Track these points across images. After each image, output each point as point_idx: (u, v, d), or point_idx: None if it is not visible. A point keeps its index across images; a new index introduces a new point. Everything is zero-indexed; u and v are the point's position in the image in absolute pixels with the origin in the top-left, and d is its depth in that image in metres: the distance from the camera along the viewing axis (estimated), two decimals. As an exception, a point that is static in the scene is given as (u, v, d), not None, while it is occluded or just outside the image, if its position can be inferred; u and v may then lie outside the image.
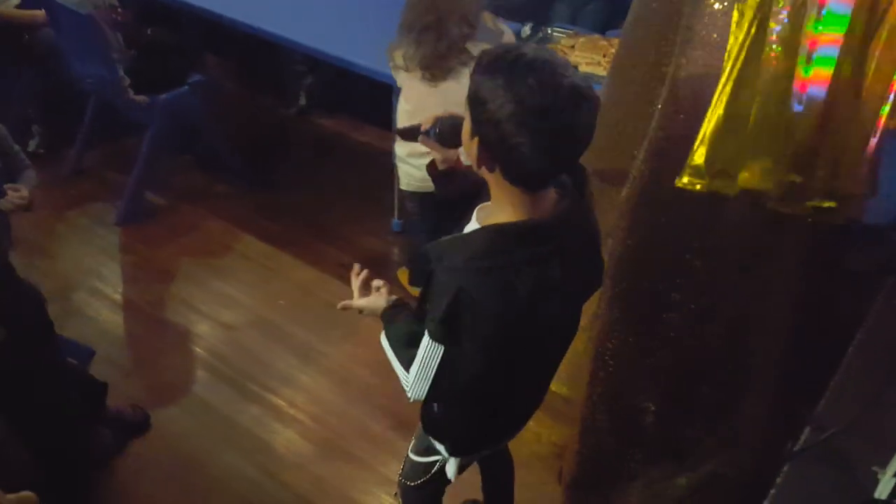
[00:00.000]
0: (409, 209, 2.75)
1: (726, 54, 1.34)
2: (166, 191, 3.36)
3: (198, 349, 2.69)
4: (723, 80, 1.34)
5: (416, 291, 2.82)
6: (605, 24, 3.08)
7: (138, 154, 3.22)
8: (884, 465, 1.21)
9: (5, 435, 2.03)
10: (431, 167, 1.56)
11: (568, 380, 2.23)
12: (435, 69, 2.34)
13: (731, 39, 1.33)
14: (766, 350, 1.63)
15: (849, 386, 1.40)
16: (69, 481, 2.15)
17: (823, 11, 1.30)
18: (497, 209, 1.27)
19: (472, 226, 1.34)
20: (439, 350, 1.29)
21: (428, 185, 2.53)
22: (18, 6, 3.31)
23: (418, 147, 2.51)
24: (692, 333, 1.63)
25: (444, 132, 1.41)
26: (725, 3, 1.40)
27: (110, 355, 2.62)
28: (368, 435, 2.41)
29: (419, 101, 2.40)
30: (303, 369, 2.62)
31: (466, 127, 1.22)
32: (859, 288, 1.66)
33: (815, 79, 1.32)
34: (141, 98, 3.05)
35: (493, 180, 1.24)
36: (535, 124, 1.12)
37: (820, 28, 1.30)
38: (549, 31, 2.97)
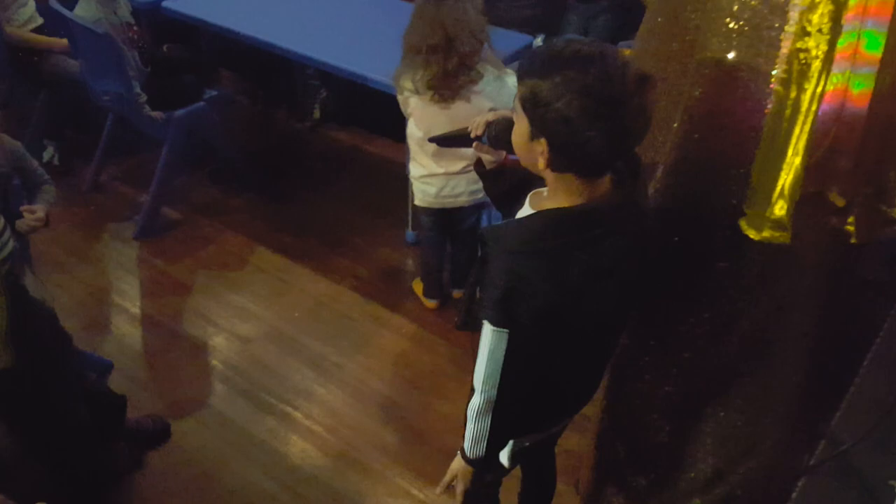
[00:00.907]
0: (423, 224, 2.77)
1: (790, 104, 1.27)
2: (183, 205, 3.40)
3: (214, 362, 2.71)
4: (796, 131, 1.28)
5: (431, 303, 2.87)
6: (616, 35, 3.09)
7: (155, 169, 3.25)
8: (901, 478, 1.20)
9: (22, 450, 2.06)
10: (479, 166, 1.57)
11: None
12: (445, 89, 2.34)
13: (794, 89, 1.27)
14: (783, 364, 1.61)
15: (864, 399, 1.39)
16: (85, 496, 2.17)
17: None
18: (553, 195, 1.30)
19: (525, 211, 1.36)
20: (504, 336, 1.29)
21: (441, 201, 2.58)
22: (41, 27, 3.38)
23: (435, 168, 2.53)
24: (708, 349, 1.62)
25: (500, 135, 1.42)
26: (741, 22, 1.40)
27: (128, 368, 2.65)
28: (384, 447, 2.41)
29: (432, 122, 2.41)
30: (318, 381, 2.63)
31: (523, 130, 1.24)
32: (875, 299, 1.64)
33: (836, 95, 1.30)
34: (157, 114, 3.09)
35: (553, 175, 1.26)
36: (610, 114, 1.15)
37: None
38: (561, 43, 2.98)
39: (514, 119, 1.28)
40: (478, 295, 1.41)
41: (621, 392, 1.75)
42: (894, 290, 1.62)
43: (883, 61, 1.28)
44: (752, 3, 1.40)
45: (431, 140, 1.68)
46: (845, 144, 1.34)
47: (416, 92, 2.40)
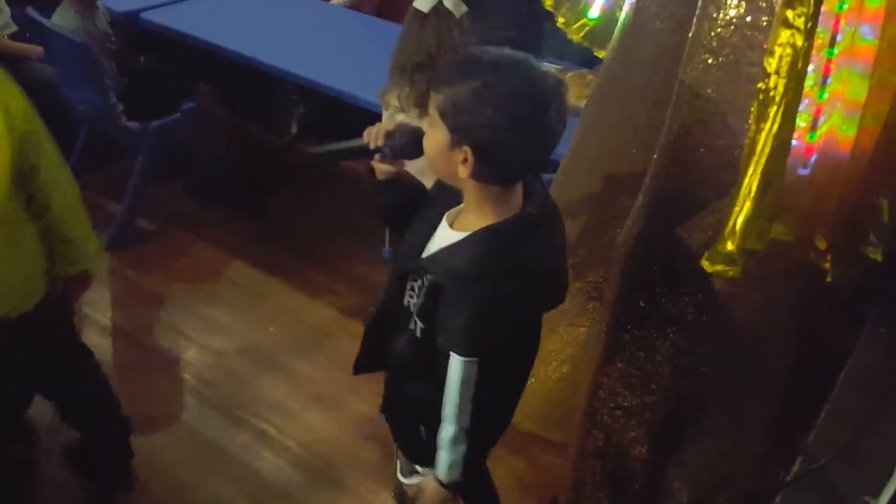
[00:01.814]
0: (402, 240, 2.76)
1: (748, 143, 1.31)
2: (157, 216, 3.36)
3: (187, 375, 2.68)
4: (749, 171, 1.31)
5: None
6: (592, 59, 3.15)
7: (129, 180, 3.22)
8: (876, 494, 1.23)
9: None
10: (372, 175, 1.52)
11: (539, 418, 2.24)
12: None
13: (753, 128, 1.31)
14: (760, 386, 1.64)
15: (839, 416, 1.42)
16: None
17: (829, 80, 1.31)
18: (478, 210, 1.29)
19: (446, 231, 1.35)
20: (475, 365, 1.27)
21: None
22: (17, 34, 3.34)
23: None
24: (687, 366, 1.65)
25: (405, 145, 1.39)
26: (720, 59, 1.44)
27: (98, 381, 2.60)
28: (358, 463, 2.40)
29: None
30: (292, 396, 2.61)
31: (441, 140, 1.22)
32: (847, 324, 1.69)
33: (828, 141, 1.33)
34: (133, 125, 3.06)
35: (473, 184, 1.25)
36: (536, 117, 1.16)
37: (825, 95, 1.31)
38: (539, 65, 3.02)
39: (427, 129, 1.26)
40: (417, 326, 1.34)
41: (600, 414, 1.77)
42: (863, 316, 1.66)
43: (865, 105, 1.31)
44: (732, 39, 1.44)
45: (319, 154, 1.63)
46: (829, 189, 1.38)
47: (402, 109, 2.41)
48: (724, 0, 1.44)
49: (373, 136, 1.42)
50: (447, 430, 1.36)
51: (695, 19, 1.51)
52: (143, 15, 3.37)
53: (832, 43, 1.29)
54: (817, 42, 1.27)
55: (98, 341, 2.78)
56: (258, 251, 3.21)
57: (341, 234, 3.33)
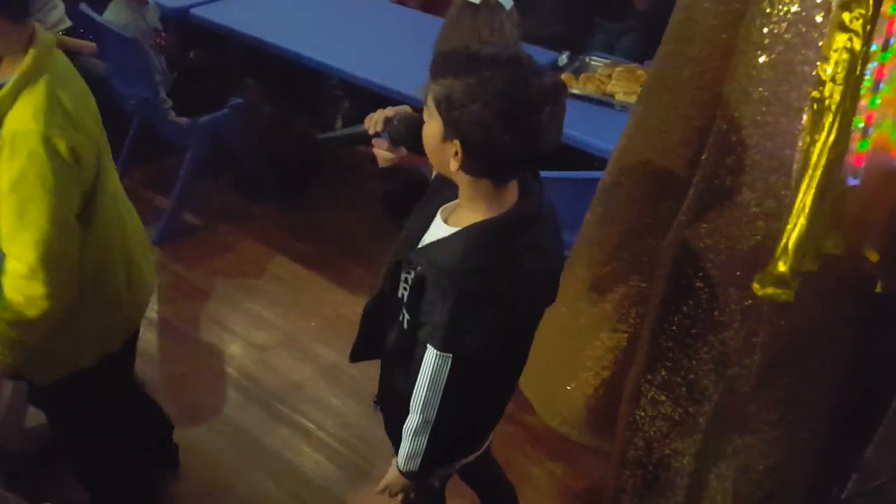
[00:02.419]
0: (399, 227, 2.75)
1: (801, 156, 1.25)
2: (203, 211, 3.41)
3: (230, 369, 2.71)
4: (802, 186, 1.26)
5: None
6: (642, 54, 3.08)
7: (177, 174, 3.27)
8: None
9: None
10: (374, 163, 1.53)
11: (579, 423, 2.20)
12: None
13: (807, 139, 1.25)
14: (810, 395, 1.58)
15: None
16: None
17: (881, 85, 1.25)
18: (470, 206, 1.29)
19: (439, 226, 1.34)
20: (448, 360, 1.27)
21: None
22: (70, 29, 3.41)
23: None
24: (732, 376, 1.59)
25: (402, 132, 1.39)
26: (773, 56, 1.37)
27: (144, 373, 2.64)
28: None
29: None
30: (332, 391, 2.62)
31: (435, 131, 1.22)
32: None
33: (878, 149, 1.27)
34: (182, 120, 3.11)
35: (467, 179, 1.25)
36: (525, 118, 1.15)
37: (877, 102, 1.25)
38: (587, 60, 2.97)
39: (426, 118, 1.25)
40: (405, 319, 1.35)
41: (641, 422, 1.72)
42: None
43: None
44: (786, 36, 1.38)
45: (322, 139, 1.64)
46: (880, 198, 1.31)
47: None
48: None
49: (373, 122, 1.43)
50: (411, 420, 1.37)
51: (747, 15, 1.45)
52: (192, 11, 3.42)
53: (885, 47, 1.22)
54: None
55: (143, 334, 2.81)
56: (301, 246, 3.23)
57: (381, 229, 3.32)
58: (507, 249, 1.24)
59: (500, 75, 1.15)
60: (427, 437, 1.37)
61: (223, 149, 3.35)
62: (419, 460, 1.41)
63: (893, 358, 1.57)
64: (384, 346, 1.50)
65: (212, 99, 3.25)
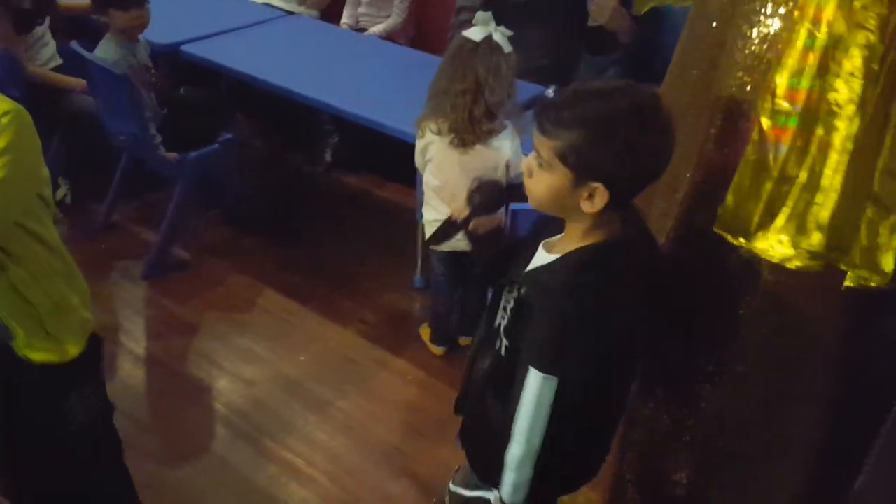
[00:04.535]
0: (434, 268, 2.75)
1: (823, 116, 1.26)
2: (193, 245, 3.41)
3: (217, 405, 2.68)
4: (828, 170, 1.26)
5: (438, 350, 2.83)
6: (629, 78, 3.11)
7: (166, 209, 3.27)
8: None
9: None
10: (470, 233, 1.56)
11: None
12: (467, 133, 2.37)
13: (820, 130, 1.27)
14: (803, 420, 1.57)
15: (891, 461, 1.34)
16: None
17: None
18: (576, 236, 1.31)
19: (541, 256, 1.36)
20: (553, 383, 1.25)
21: (454, 244, 2.55)
22: (60, 66, 3.44)
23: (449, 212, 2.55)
24: (726, 401, 1.58)
25: (485, 202, 1.44)
26: (756, 76, 1.39)
27: (130, 410, 2.61)
28: (387, 496, 2.36)
29: (449, 169, 2.43)
30: (321, 427, 2.59)
31: (560, 182, 1.24)
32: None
33: None
34: (172, 155, 3.11)
35: (591, 214, 1.27)
36: (654, 139, 1.22)
37: None
38: (573, 93, 2.99)
39: (540, 173, 1.27)
40: (502, 345, 1.36)
41: (637, 436, 1.71)
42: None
43: None
44: (768, 55, 1.40)
45: (428, 244, 1.70)
46: None
47: (438, 132, 2.42)
48: (758, 17, 1.42)
49: (457, 211, 1.52)
50: (515, 449, 1.32)
51: (728, 38, 1.48)
52: (183, 48, 3.45)
53: None
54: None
55: (131, 370, 2.81)
56: (291, 279, 3.22)
57: (373, 263, 3.33)
58: (610, 272, 1.27)
59: (615, 109, 1.21)
60: (533, 465, 1.32)
61: (212, 183, 3.35)
62: (526, 492, 1.36)
63: (884, 381, 1.57)
64: (472, 380, 1.49)
65: (202, 134, 3.26)
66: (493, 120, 2.37)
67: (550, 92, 3.01)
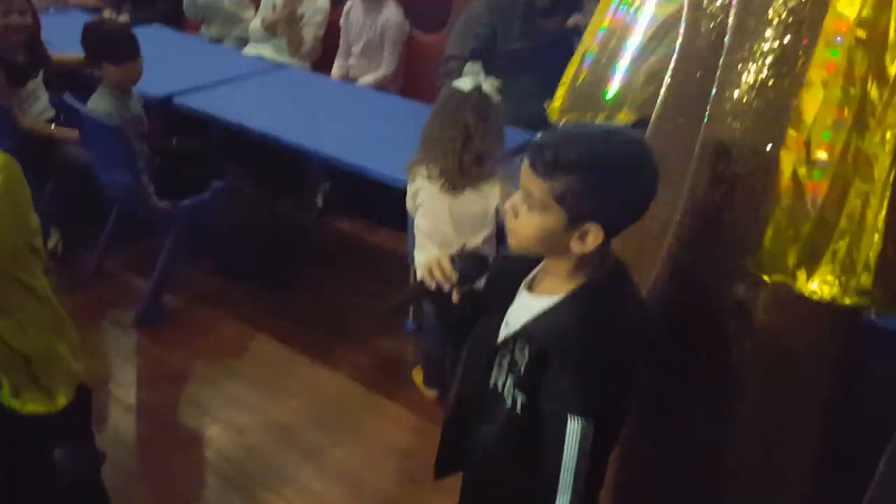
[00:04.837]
0: (425, 311, 2.77)
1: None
2: (184, 292, 3.40)
3: (209, 453, 2.65)
4: (871, 208, 1.31)
5: (430, 393, 2.83)
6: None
7: (157, 258, 3.27)
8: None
9: None
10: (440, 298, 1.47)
11: None
12: (457, 179, 2.42)
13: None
14: (801, 457, 1.58)
15: (886, 497, 1.35)
16: None
17: None
18: (568, 274, 1.31)
19: (529, 300, 1.35)
20: (591, 425, 1.23)
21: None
22: (53, 118, 3.48)
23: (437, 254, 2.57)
24: (723, 438, 1.59)
25: (470, 271, 1.40)
26: (747, 123, 1.44)
27: (121, 459, 2.58)
28: (381, 546, 2.33)
29: (438, 214, 2.47)
30: (314, 475, 2.56)
31: (552, 224, 1.25)
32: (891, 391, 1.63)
33: None
34: (164, 204, 3.14)
35: (580, 253, 1.27)
36: (645, 180, 1.26)
37: None
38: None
39: (529, 214, 1.27)
40: (517, 403, 1.31)
41: (629, 473, 1.71)
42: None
43: None
44: (755, 103, 1.45)
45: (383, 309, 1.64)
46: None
47: (429, 177, 2.47)
48: (746, 66, 1.47)
49: (438, 276, 1.39)
50: (563, 502, 1.27)
51: (716, 85, 1.52)
52: (175, 99, 3.50)
53: None
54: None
55: (122, 420, 2.78)
56: (283, 325, 3.22)
57: (364, 308, 3.33)
58: (617, 303, 1.29)
59: (609, 152, 1.24)
60: None
61: (205, 231, 3.37)
62: None
63: (877, 419, 1.58)
64: (474, 449, 1.44)
65: (194, 183, 3.29)
66: (483, 166, 2.42)
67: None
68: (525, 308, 1.34)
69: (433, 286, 1.39)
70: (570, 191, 1.21)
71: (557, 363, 1.24)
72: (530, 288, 1.36)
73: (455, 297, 1.40)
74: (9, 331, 1.59)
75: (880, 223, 1.31)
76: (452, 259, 1.40)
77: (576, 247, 1.25)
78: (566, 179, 1.21)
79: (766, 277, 1.40)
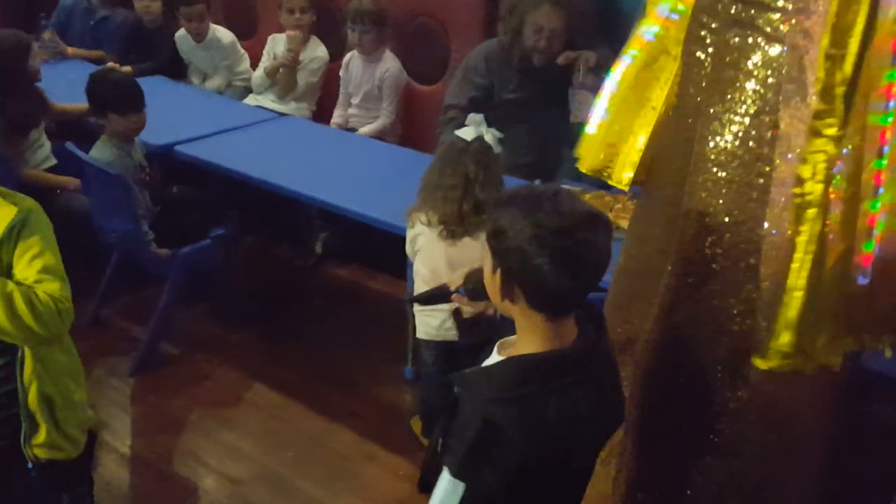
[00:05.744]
0: (424, 358, 2.75)
1: (794, 218, 1.34)
2: (181, 340, 3.39)
3: (203, 505, 2.61)
4: (793, 268, 1.33)
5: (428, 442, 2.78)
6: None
7: (155, 305, 3.27)
8: None
9: None
10: (457, 314, 1.59)
11: None
12: (456, 226, 2.44)
13: (790, 230, 1.35)
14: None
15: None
16: None
17: (881, 190, 1.33)
18: (521, 341, 1.30)
19: (493, 359, 1.35)
20: (458, 489, 1.22)
21: (444, 334, 2.59)
22: (54, 167, 3.51)
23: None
24: (720, 488, 1.57)
25: (478, 287, 1.43)
26: (728, 172, 1.46)
27: (112, 512, 2.54)
28: None
29: (437, 260, 2.48)
30: (311, 527, 2.52)
31: (488, 265, 1.28)
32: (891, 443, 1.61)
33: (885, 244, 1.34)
34: (163, 251, 3.15)
35: (518, 311, 1.27)
36: (556, 242, 1.20)
37: (878, 205, 1.33)
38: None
39: (482, 257, 1.31)
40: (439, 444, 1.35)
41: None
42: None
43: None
44: (738, 152, 1.47)
45: (412, 301, 1.74)
46: (886, 288, 1.36)
47: (429, 223, 2.49)
48: (728, 116, 1.49)
49: (453, 279, 1.55)
50: None
51: (698, 135, 1.55)
52: (176, 148, 3.54)
53: (880, 154, 1.31)
54: (867, 156, 1.31)
55: (116, 470, 2.74)
56: (279, 373, 3.20)
57: (363, 355, 3.31)
58: (540, 389, 1.22)
59: (541, 205, 1.22)
60: None
61: (203, 278, 3.37)
62: None
63: (879, 472, 1.57)
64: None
65: (194, 230, 3.30)
66: (481, 215, 2.44)
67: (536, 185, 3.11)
68: (487, 362, 1.36)
69: (451, 287, 1.49)
70: (492, 229, 1.26)
71: (461, 417, 1.25)
72: (499, 350, 1.36)
73: (465, 307, 1.49)
74: (37, 374, 1.61)
75: (802, 279, 1.32)
76: (466, 275, 1.48)
77: (507, 306, 1.27)
78: (493, 218, 1.26)
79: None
